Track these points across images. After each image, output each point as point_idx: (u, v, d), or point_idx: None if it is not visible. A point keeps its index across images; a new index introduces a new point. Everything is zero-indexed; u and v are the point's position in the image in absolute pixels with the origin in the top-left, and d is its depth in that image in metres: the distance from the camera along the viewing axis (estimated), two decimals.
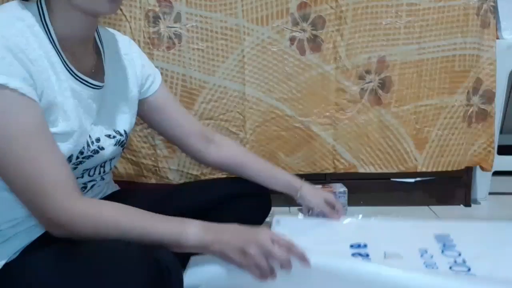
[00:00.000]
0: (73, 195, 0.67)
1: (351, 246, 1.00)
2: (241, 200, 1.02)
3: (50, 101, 0.69)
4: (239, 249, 0.72)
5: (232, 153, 1.05)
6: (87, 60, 0.80)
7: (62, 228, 0.67)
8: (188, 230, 0.72)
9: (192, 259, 0.82)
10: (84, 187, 0.84)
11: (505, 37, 1.34)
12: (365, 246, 0.99)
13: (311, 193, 1.04)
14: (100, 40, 0.85)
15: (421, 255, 0.96)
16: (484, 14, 1.25)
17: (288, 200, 1.41)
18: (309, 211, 1.07)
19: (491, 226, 1.10)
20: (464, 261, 0.94)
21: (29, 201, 0.67)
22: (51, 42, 0.71)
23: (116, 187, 1.01)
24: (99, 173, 0.86)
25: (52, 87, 0.69)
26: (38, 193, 0.65)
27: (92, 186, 0.87)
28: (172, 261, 0.68)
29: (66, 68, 0.73)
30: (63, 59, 0.73)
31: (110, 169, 0.91)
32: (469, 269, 0.90)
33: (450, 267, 0.90)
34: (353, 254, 0.96)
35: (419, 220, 1.16)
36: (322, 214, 1.04)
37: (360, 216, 1.13)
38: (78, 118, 0.74)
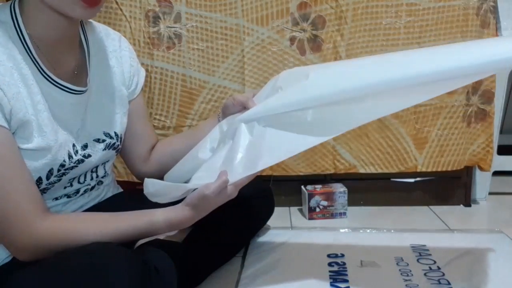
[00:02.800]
0: (35, 220, 0.66)
1: (328, 255, 1.03)
2: (245, 202, 1.02)
3: (21, 117, 0.66)
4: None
5: (158, 147, 1.00)
6: (69, 61, 0.76)
7: (31, 255, 0.67)
8: (156, 224, 0.75)
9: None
10: (76, 192, 0.83)
11: None
12: (342, 255, 1.03)
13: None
14: (85, 37, 0.81)
15: (397, 263, 1.00)
16: (484, 14, 1.25)
17: (289, 201, 1.43)
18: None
19: (466, 237, 1.14)
20: (438, 268, 0.97)
21: None
22: (25, 49, 0.68)
23: (118, 189, 1.00)
24: (92, 178, 0.85)
25: (22, 103, 0.67)
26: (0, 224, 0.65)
27: (86, 191, 0.85)
28: (162, 261, 0.68)
29: (44, 76, 0.70)
30: (39, 67, 0.70)
31: (105, 172, 0.89)
32: (443, 274, 0.94)
33: (425, 274, 0.94)
34: (330, 264, 0.99)
35: (396, 231, 1.20)
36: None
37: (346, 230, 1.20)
38: (54, 131, 0.72)
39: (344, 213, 1.34)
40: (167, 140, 1.04)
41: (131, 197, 0.97)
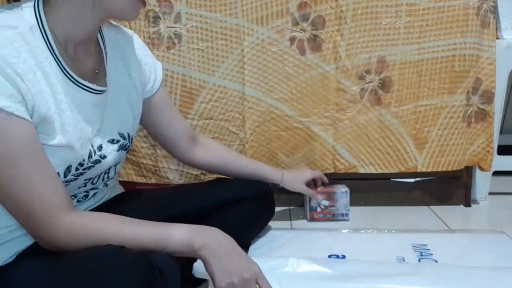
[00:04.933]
0: (59, 213, 0.66)
1: (329, 256, 1.03)
2: (246, 203, 1.02)
3: (43, 114, 0.67)
4: (225, 271, 0.70)
5: (217, 152, 1.09)
6: (89, 61, 0.77)
7: (49, 245, 0.67)
8: (175, 237, 0.70)
9: None
10: (85, 195, 0.83)
11: (505, 37, 1.34)
12: (343, 256, 1.02)
13: (292, 180, 1.18)
14: (102, 38, 0.81)
15: (398, 263, 0.99)
16: (484, 14, 1.25)
17: (289, 201, 1.42)
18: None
19: (468, 238, 1.14)
20: None
21: (19, 220, 0.67)
22: (48, 48, 0.68)
23: (120, 190, 1.00)
24: (103, 179, 0.85)
25: (45, 100, 0.67)
26: (26, 214, 0.65)
27: (94, 194, 0.85)
28: (166, 263, 0.67)
29: (67, 76, 0.70)
30: (62, 66, 0.70)
31: (115, 174, 0.89)
32: None
33: None
34: None
35: (398, 232, 1.19)
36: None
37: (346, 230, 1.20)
38: (76, 130, 0.72)
39: (347, 214, 1.31)
40: (223, 151, 1.13)
41: (131, 197, 0.97)
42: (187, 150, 1.03)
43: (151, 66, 0.92)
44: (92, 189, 0.84)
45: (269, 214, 1.15)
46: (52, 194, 0.66)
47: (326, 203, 1.31)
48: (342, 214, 1.32)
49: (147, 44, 1.23)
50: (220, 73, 1.27)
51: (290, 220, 1.34)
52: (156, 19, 1.22)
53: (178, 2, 1.21)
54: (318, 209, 1.32)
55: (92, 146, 0.77)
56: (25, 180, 0.64)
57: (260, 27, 1.25)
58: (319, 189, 1.32)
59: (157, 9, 1.21)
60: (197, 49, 1.25)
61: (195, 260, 0.89)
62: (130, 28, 1.21)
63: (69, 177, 0.74)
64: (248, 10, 1.23)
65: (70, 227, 0.67)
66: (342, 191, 1.31)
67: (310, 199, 1.31)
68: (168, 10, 1.22)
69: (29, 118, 0.64)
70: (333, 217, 1.31)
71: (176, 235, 0.70)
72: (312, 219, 1.32)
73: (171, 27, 1.23)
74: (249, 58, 1.26)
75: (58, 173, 0.71)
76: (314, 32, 1.26)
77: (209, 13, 1.23)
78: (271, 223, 1.20)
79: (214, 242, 0.71)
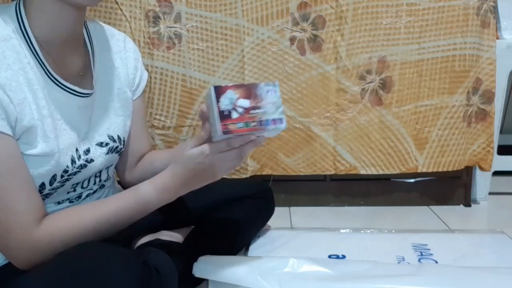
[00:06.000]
0: (33, 229, 0.65)
1: (329, 256, 1.03)
2: (246, 202, 1.02)
3: (27, 123, 0.65)
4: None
5: (144, 159, 0.96)
6: (74, 62, 0.75)
7: (30, 264, 0.66)
8: (149, 204, 0.73)
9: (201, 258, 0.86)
10: (78, 196, 0.82)
11: (505, 37, 1.34)
12: (343, 256, 1.03)
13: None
14: (89, 38, 0.80)
15: (398, 262, 0.99)
16: (484, 14, 1.25)
17: (289, 200, 1.42)
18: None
19: (468, 238, 1.14)
20: None
21: None
22: (31, 51, 0.67)
23: (119, 190, 0.99)
24: (95, 182, 0.83)
25: (28, 107, 0.65)
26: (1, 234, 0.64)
27: (88, 195, 0.84)
28: (162, 262, 0.67)
29: (51, 79, 0.69)
30: (46, 69, 0.68)
31: (108, 176, 0.88)
32: None
33: None
34: None
35: (397, 232, 1.19)
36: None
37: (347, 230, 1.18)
38: (58, 136, 0.70)
39: (280, 120, 0.71)
40: (152, 155, 0.97)
41: None
42: (128, 170, 0.94)
43: (139, 72, 0.90)
44: (86, 191, 0.83)
45: (269, 212, 1.15)
46: (26, 212, 0.65)
47: (245, 103, 0.69)
48: (274, 120, 0.71)
49: (147, 44, 1.23)
50: (220, 73, 1.27)
51: (290, 219, 1.34)
52: (156, 19, 1.22)
53: (178, 2, 1.21)
54: (234, 115, 0.68)
55: (77, 150, 0.75)
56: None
57: (260, 27, 1.24)
58: (231, 84, 0.72)
59: (157, 9, 1.21)
60: (197, 49, 1.25)
61: (195, 260, 0.90)
62: (130, 28, 1.21)
63: (55, 184, 0.73)
64: (248, 10, 1.23)
65: (47, 237, 0.66)
66: (267, 83, 0.72)
67: (218, 97, 0.67)
68: (168, 10, 1.22)
69: (8, 132, 0.63)
70: (260, 126, 0.69)
71: (150, 203, 0.73)
72: (226, 132, 0.67)
73: (171, 27, 1.23)
74: (249, 58, 1.26)
75: (43, 183, 0.71)
76: (314, 32, 1.26)
77: (209, 13, 1.23)
78: (270, 223, 1.20)
79: (182, 190, 0.75)
